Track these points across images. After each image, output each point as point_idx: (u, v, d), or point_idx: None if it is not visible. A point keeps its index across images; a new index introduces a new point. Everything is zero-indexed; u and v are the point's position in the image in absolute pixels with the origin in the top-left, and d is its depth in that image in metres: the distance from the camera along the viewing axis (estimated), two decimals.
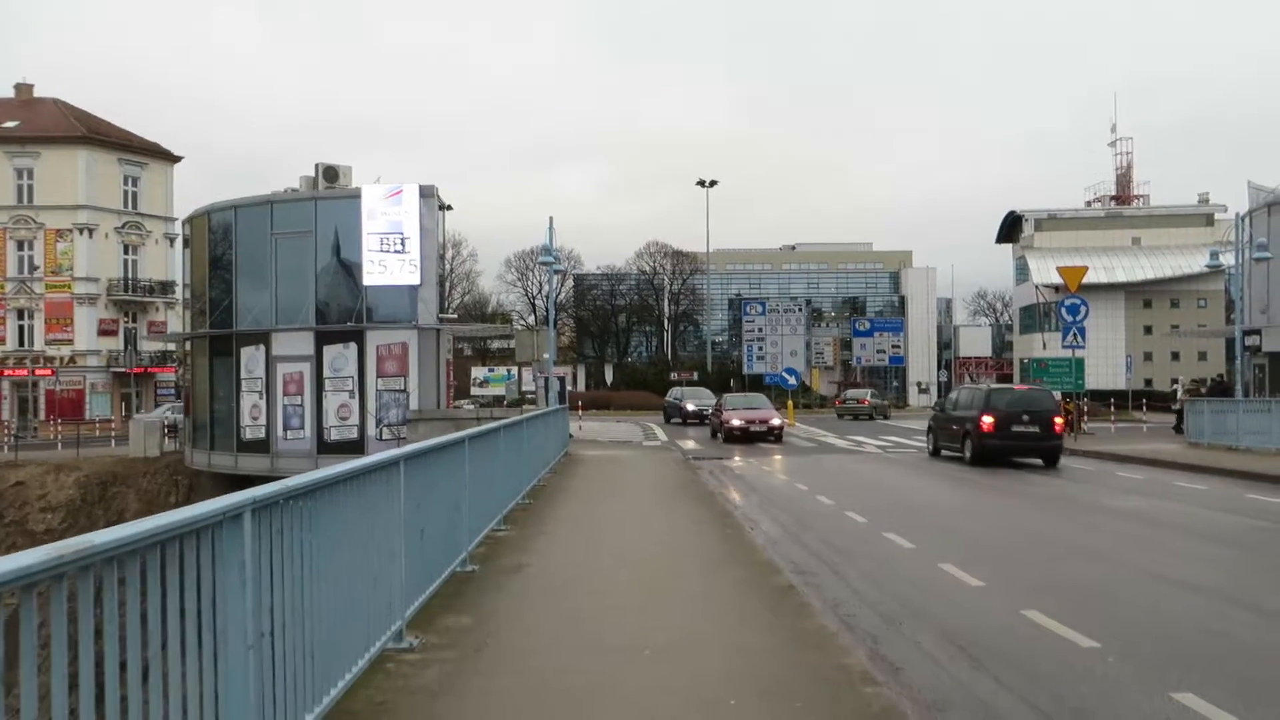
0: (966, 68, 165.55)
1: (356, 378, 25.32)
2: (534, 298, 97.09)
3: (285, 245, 25.82)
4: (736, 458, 23.88)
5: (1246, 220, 28.36)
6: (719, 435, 30.18)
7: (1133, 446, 25.41)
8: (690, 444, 29.07)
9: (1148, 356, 73.17)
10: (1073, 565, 9.68)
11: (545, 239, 28.26)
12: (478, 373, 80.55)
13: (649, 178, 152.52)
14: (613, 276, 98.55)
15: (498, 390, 66.09)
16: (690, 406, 41.33)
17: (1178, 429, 30.88)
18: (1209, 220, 77.07)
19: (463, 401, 68.24)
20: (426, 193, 25.32)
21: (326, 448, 25.01)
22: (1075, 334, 27.98)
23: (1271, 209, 28.03)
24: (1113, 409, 41.41)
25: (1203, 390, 37.93)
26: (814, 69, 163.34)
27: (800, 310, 65.69)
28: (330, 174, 27.32)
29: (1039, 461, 21.42)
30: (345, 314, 25.58)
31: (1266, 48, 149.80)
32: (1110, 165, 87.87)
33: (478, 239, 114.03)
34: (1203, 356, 73.30)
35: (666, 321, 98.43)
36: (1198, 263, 73.93)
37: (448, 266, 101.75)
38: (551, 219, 25.15)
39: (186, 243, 29.58)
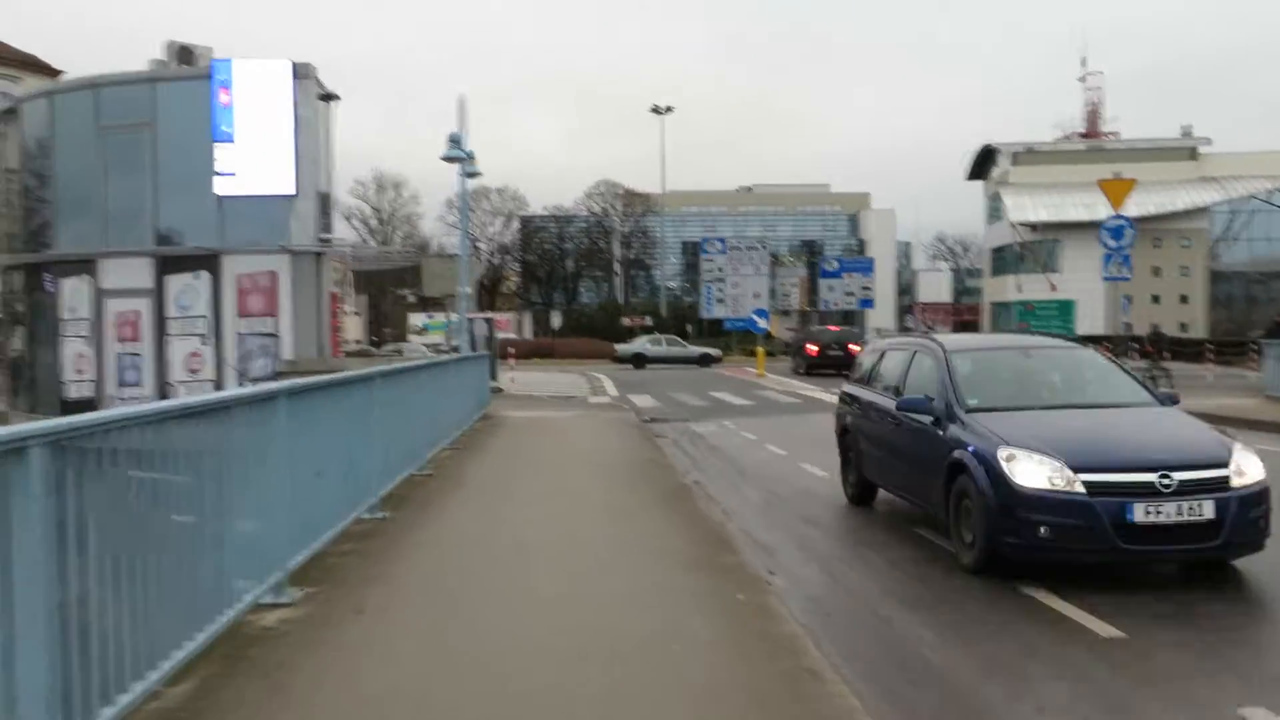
0: (934, 14, 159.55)
1: (211, 317, 19.37)
2: (477, 240, 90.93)
3: (116, 143, 19.60)
4: (706, 422, 18.45)
5: None
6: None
7: (1194, 402, 20.34)
8: (647, 402, 23.58)
9: (1128, 300, 68.98)
10: None
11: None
12: (416, 319, 74.55)
13: (611, 124, 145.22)
14: (561, 218, 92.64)
15: (438, 338, 59.91)
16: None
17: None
18: (1193, 154, 72.80)
19: (396, 346, 61.98)
20: (302, 73, 19.23)
21: None
22: (1119, 263, 22.73)
23: None
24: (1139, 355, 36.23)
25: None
26: (787, 9, 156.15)
27: (763, 248, 60.15)
28: (185, 56, 21.00)
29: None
30: (195, 233, 19.54)
31: None
32: (1078, 105, 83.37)
33: (425, 186, 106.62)
34: (1184, 299, 69.45)
35: (617, 266, 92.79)
36: (1182, 199, 69.86)
37: (387, 207, 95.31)
38: (463, 99, 19.31)
39: None
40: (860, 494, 9.29)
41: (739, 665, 4.55)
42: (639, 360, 43.96)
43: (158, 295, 19.45)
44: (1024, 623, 5.77)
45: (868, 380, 9.43)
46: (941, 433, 7.21)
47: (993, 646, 5.39)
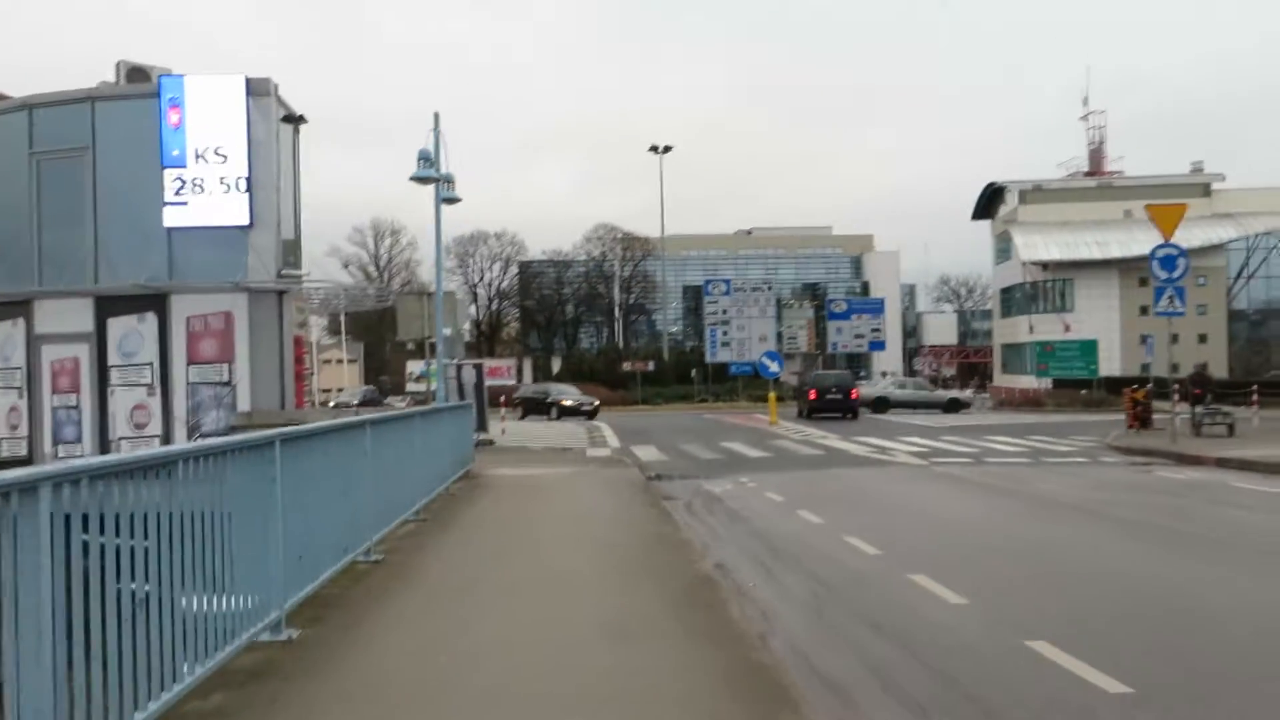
0: (938, 61, 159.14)
1: (157, 364, 17.17)
2: (475, 286, 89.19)
3: (52, 171, 17.56)
4: (721, 480, 16.12)
5: None
6: None
7: (1260, 451, 18.08)
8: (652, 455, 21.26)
9: (1143, 340, 66.85)
10: None
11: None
12: (414, 366, 72.53)
13: (613, 173, 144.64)
14: (559, 263, 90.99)
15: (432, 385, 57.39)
16: None
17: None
18: (1205, 190, 71.02)
19: (395, 399, 59.40)
20: (258, 89, 17.21)
21: None
22: (1172, 297, 20.51)
23: None
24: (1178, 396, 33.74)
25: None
26: (787, 57, 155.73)
27: (769, 290, 58.13)
28: (137, 77, 19.00)
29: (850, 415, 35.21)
30: (140, 270, 17.37)
31: (1222, 47, 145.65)
32: (1081, 146, 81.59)
33: (426, 233, 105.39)
34: (1202, 339, 67.25)
35: (617, 310, 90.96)
36: (1197, 236, 67.77)
37: (384, 254, 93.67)
38: (437, 115, 17.36)
39: None
40: None
41: None
42: (881, 404, 41.06)
43: (98, 340, 17.27)
44: None
45: None
46: None
47: None
